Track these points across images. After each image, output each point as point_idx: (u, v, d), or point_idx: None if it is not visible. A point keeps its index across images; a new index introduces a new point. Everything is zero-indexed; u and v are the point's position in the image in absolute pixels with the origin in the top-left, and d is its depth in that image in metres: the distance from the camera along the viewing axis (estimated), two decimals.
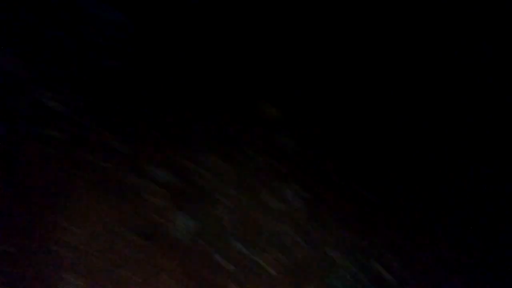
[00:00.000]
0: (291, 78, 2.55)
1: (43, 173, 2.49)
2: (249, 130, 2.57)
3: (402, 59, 2.52)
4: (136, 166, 2.59)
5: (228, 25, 2.60)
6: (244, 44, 2.61)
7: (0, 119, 2.52)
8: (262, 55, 2.57)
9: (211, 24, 2.63)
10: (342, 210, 2.64)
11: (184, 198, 2.61)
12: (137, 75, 2.65)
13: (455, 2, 2.41)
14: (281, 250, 2.65)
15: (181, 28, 2.69)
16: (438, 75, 2.53)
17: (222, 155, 2.60)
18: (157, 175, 2.61)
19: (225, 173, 2.62)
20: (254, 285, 2.60)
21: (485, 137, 2.58)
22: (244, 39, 2.58)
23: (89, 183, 2.54)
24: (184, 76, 2.63)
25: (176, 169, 2.61)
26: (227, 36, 2.60)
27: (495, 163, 2.58)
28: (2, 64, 2.64)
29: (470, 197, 2.62)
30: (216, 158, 2.61)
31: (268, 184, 2.62)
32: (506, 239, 2.63)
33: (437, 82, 2.54)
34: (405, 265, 2.63)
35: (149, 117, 2.61)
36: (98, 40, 2.74)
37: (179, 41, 2.65)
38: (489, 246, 2.65)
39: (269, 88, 2.56)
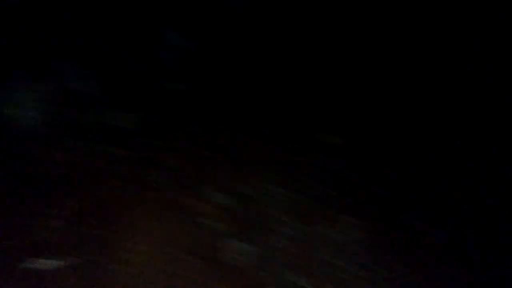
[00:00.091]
0: (353, 107, 2.65)
1: (107, 190, 2.50)
2: (310, 158, 2.62)
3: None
4: (195, 187, 2.60)
5: (289, 55, 2.76)
6: (306, 73, 2.74)
7: (71, 135, 2.59)
8: (322, 85, 2.70)
9: (273, 53, 2.79)
10: (400, 244, 2.60)
11: (241, 223, 2.59)
12: (201, 97, 2.76)
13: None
14: (337, 283, 2.57)
15: (244, 54, 2.85)
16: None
17: (281, 182, 2.62)
18: (216, 198, 2.61)
19: (284, 201, 2.62)
20: None
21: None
22: (307, 69, 2.72)
23: (150, 202, 2.54)
24: (247, 102, 2.74)
25: (235, 193, 2.62)
26: (289, 65, 2.75)
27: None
28: (75, 84, 2.77)
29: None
30: (276, 185, 2.63)
31: (327, 214, 2.62)
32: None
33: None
34: None
35: (211, 140, 2.67)
36: (164, 63, 2.90)
37: (243, 66, 2.79)
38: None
39: (331, 117, 2.65)
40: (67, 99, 2.89)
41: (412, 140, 2.68)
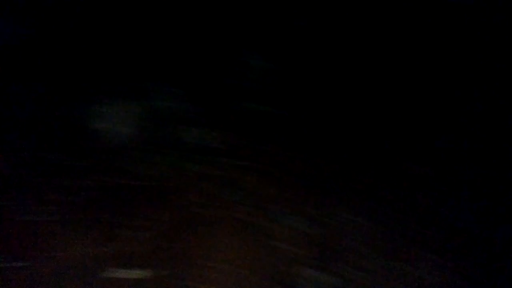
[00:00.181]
0: (445, 136, 2.50)
1: (187, 206, 2.52)
2: (396, 189, 2.49)
3: None
4: (274, 210, 2.56)
5: (373, 81, 2.65)
6: (393, 98, 2.62)
7: (157, 151, 2.65)
8: (414, 111, 2.57)
9: (356, 77, 2.70)
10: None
11: (318, 250, 2.50)
12: (284, 120, 2.72)
13: None
14: None
15: (328, 77, 2.78)
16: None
17: (363, 212, 2.51)
18: (294, 222, 2.55)
19: (364, 232, 2.51)
20: None
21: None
22: (394, 95, 2.60)
23: (227, 220, 2.53)
24: (330, 126, 2.66)
25: (314, 219, 2.54)
26: (373, 92, 2.64)
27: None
28: (164, 102, 2.84)
29: None
30: (357, 215, 2.52)
31: (409, 250, 2.46)
32: None
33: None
34: None
35: (292, 163, 2.62)
36: (249, 84, 2.90)
37: (326, 90, 2.73)
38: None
39: (421, 146, 2.51)
40: (156, 116, 2.99)
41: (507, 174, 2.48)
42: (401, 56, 2.74)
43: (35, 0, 3.49)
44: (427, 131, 2.58)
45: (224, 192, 2.60)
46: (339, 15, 3.08)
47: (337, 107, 2.72)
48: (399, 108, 2.64)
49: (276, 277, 2.45)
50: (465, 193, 2.48)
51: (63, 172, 2.79)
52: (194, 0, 3.38)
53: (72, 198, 2.59)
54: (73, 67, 3.56)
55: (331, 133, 2.70)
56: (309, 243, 2.51)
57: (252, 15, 3.34)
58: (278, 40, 3.20)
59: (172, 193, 2.61)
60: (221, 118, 2.85)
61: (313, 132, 2.72)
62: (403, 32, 2.84)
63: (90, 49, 3.65)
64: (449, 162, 2.49)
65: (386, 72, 2.76)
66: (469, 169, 2.50)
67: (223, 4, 3.34)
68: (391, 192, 2.53)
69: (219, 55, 3.00)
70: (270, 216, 2.57)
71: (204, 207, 2.57)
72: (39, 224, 2.39)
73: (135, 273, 2.21)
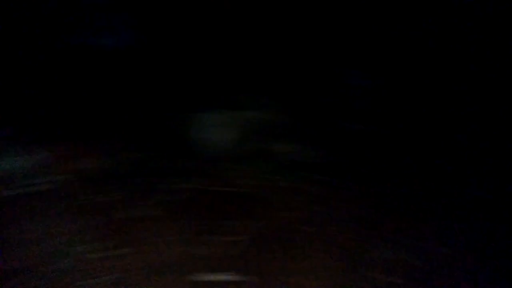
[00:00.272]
0: None
1: (282, 220, 2.50)
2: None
3: None
4: (364, 233, 2.43)
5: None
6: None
7: (258, 160, 2.68)
8: None
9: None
10: None
11: (411, 282, 2.30)
12: (382, 140, 2.60)
13: None
14: None
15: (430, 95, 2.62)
16: None
17: (461, 245, 2.27)
18: (386, 250, 2.39)
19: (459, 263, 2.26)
20: None
21: None
22: None
23: (316, 238, 2.45)
24: (431, 149, 2.49)
25: (409, 248, 2.36)
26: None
27: None
28: (269, 115, 2.89)
29: None
30: (452, 247, 2.29)
31: None
32: None
33: None
34: None
35: (385, 185, 2.48)
36: (346, 102, 2.83)
37: (428, 109, 2.56)
38: None
39: None
40: (253, 127, 3.06)
41: None
42: None
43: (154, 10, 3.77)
44: None
45: (315, 209, 2.53)
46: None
47: (439, 131, 2.53)
48: None
49: None
50: None
51: (163, 175, 2.93)
52: (300, 18, 3.43)
53: (169, 200, 2.70)
54: (179, 76, 3.77)
55: (435, 156, 2.51)
56: (404, 274, 2.32)
57: (352, 33, 3.30)
58: (378, 56, 3.10)
59: (263, 204, 2.62)
60: (317, 134, 2.81)
61: (416, 155, 2.55)
62: None
63: (197, 59, 3.84)
64: None
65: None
66: None
67: (326, 21, 3.34)
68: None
69: (320, 73, 2.98)
70: (362, 239, 2.43)
71: (294, 221, 2.52)
72: (137, 221, 2.52)
73: (223, 277, 2.20)
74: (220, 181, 2.84)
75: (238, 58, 3.63)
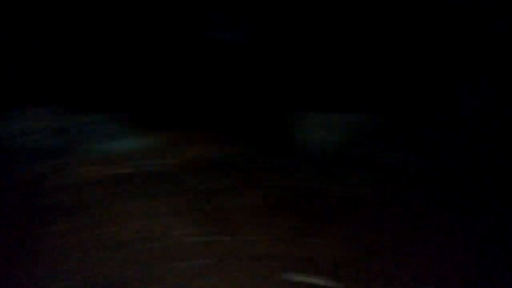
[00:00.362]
0: None
1: (385, 228, 2.30)
2: None
3: None
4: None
5: None
6: None
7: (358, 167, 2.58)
8: None
9: None
10: None
11: None
12: None
13: None
14: None
15: None
16: None
17: None
18: None
19: None
20: None
21: None
22: None
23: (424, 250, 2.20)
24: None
25: None
26: None
27: None
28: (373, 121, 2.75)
29: None
30: None
31: None
32: None
33: None
34: None
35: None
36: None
37: None
38: None
39: None
40: (356, 131, 2.95)
41: None
42: None
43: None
44: None
45: (421, 221, 2.29)
46: None
47: None
48: None
49: None
50: None
51: (267, 170, 2.91)
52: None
53: (272, 195, 2.67)
54: (286, 75, 3.76)
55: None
56: None
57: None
58: None
59: (364, 209, 2.51)
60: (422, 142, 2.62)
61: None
62: None
63: (305, 60, 3.80)
64: None
65: None
66: None
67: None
68: None
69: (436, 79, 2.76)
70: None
71: (400, 231, 2.35)
72: (238, 211, 2.51)
73: (315, 280, 2.08)
74: (321, 182, 2.73)
75: (347, 60, 3.53)
